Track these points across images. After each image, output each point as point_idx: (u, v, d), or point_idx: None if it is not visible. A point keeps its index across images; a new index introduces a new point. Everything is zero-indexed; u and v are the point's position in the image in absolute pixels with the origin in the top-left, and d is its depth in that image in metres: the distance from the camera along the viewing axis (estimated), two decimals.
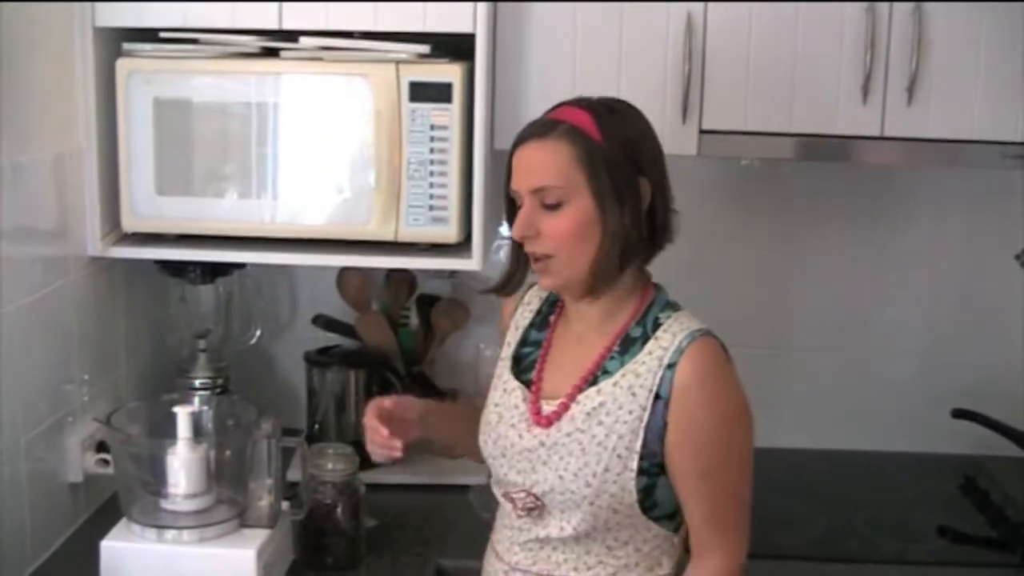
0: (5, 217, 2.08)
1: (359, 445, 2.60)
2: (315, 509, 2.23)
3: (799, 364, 2.92)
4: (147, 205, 2.38)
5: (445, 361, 2.86)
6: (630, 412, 1.75)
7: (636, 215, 1.75)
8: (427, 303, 2.81)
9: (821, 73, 2.38)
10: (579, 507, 1.77)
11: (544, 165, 1.75)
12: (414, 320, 2.83)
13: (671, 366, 1.73)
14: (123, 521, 2.05)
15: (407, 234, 2.34)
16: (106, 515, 2.19)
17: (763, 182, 2.84)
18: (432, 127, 2.30)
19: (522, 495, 1.83)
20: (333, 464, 2.29)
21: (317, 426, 2.74)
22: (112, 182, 2.40)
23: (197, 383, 2.66)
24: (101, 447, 2.31)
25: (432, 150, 2.31)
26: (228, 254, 2.43)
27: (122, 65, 2.34)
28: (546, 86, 2.35)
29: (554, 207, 1.74)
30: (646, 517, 1.78)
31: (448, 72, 2.29)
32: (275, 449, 2.08)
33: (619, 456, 1.75)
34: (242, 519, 2.04)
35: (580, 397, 1.79)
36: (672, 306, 1.83)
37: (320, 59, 2.33)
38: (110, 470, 2.23)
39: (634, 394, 1.75)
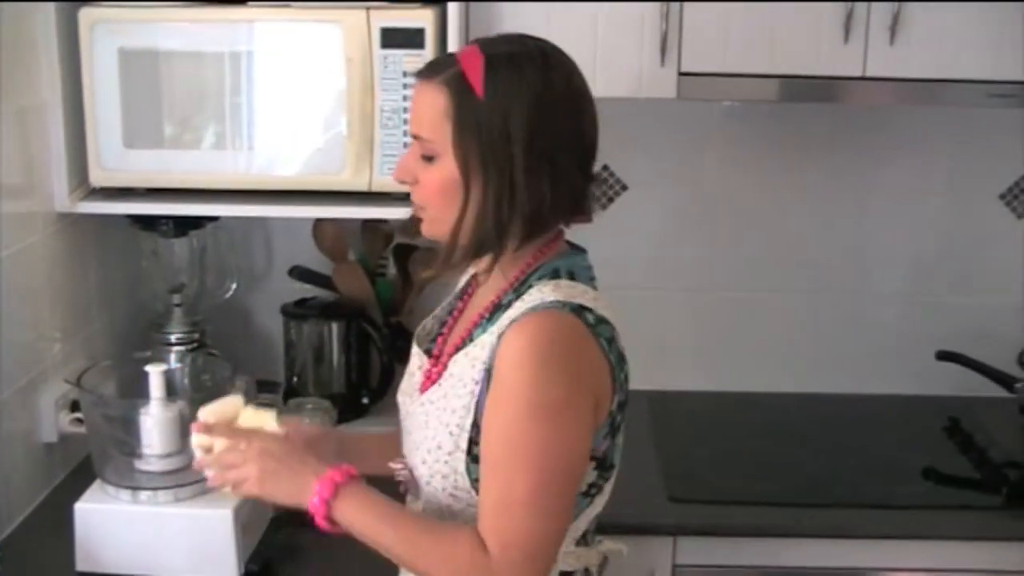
0: None
1: (336, 398, 2.61)
2: None
3: (782, 306, 2.89)
4: (115, 158, 2.32)
5: (423, 311, 2.74)
6: (464, 385, 1.60)
7: (504, 191, 1.55)
8: (404, 252, 2.75)
9: (802, 13, 2.33)
10: (423, 489, 1.66)
11: (419, 112, 1.61)
12: (391, 270, 2.78)
13: (500, 337, 1.56)
14: (97, 482, 2.01)
15: (381, 183, 2.29)
16: (83, 475, 2.15)
17: (744, 124, 2.79)
18: (405, 74, 2.24)
19: (399, 468, 1.72)
20: (311, 419, 2.25)
21: (296, 379, 2.70)
22: (79, 136, 2.33)
23: (173, 338, 2.61)
24: (76, 406, 2.26)
25: (405, 97, 2.24)
26: (200, 207, 2.38)
27: (85, 15, 2.26)
28: (520, 29, 2.27)
29: (428, 158, 1.60)
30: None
31: (420, 17, 2.23)
32: None
33: (451, 433, 1.61)
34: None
35: (451, 362, 1.66)
36: (559, 273, 1.62)
37: (289, 6, 2.26)
38: (84, 429, 2.18)
39: (473, 366, 1.60)
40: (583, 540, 1.68)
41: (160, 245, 2.60)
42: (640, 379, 2.81)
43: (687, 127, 2.78)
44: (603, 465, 1.62)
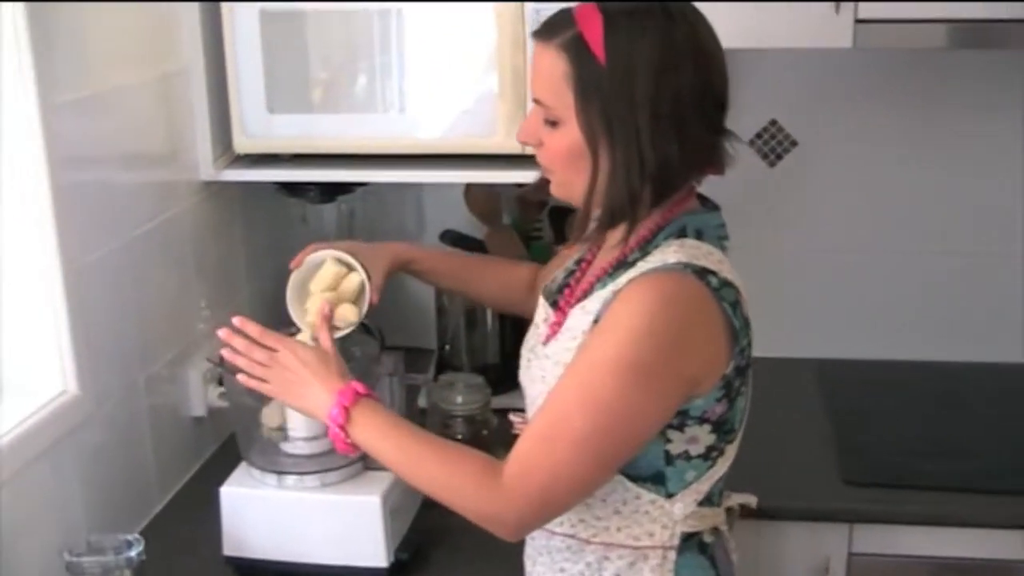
0: (112, 144, 1.97)
1: (489, 369, 2.50)
2: None
3: (961, 268, 2.67)
4: (259, 124, 2.24)
5: None
6: (574, 339, 1.55)
7: (632, 158, 1.47)
8: (561, 215, 2.61)
9: None
10: None
11: (539, 76, 1.53)
12: (547, 234, 2.65)
13: (617, 292, 1.50)
14: (243, 465, 1.93)
15: None
16: (233, 449, 2.08)
17: (920, 73, 2.56)
18: None
19: (519, 421, 1.70)
20: (463, 397, 2.14)
21: (447, 347, 2.60)
22: (222, 102, 2.25)
23: None
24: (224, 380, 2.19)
25: None
26: (347, 173, 2.29)
27: None
28: None
29: (552, 123, 1.52)
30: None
31: None
32: (398, 387, 1.93)
33: None
34: (366, 462, 1.89)
35: (568, 315, 1.60)
36: (686, 232, 1.54)
37: None
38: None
39: (585, 319, 1.55)
40: (707, 501, 1.59)
41: (308, 211, 2.52)
42: (807, 346, 2.69)
43: (861, 78, 2.57)
44: (721, 429, 1.54)
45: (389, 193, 2.65)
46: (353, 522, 1.86)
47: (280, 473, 1.88)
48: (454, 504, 1.52)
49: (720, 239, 1.57)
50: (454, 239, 2.61)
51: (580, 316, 1.56)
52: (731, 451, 1.59)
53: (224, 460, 2.15)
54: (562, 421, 1.46)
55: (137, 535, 1.73)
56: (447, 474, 1.52)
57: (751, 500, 1.73)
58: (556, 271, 1.76)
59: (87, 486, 1.90)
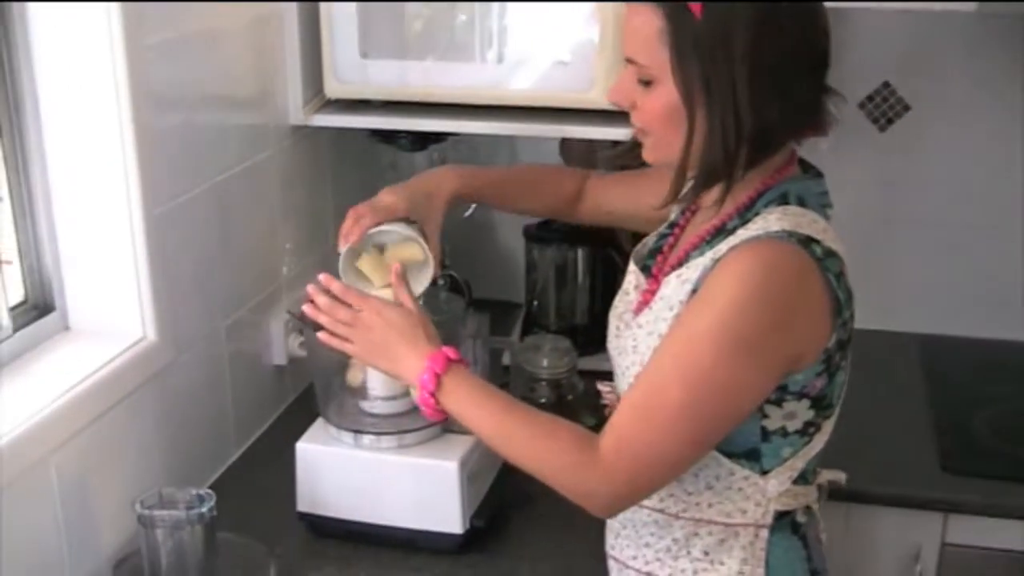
0: (200, 87, 1.92)
1: (578, 329, 2.43)
2: None
3: None
4: (351, 69, 2.18)
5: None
6: (671, 308, 1.46)
7: (729, 117, 1.38)
8: None
9: None
10: None
11: (633, 35, 1.44)
12: None
13: (717, 260, 1.41)
14: (319, 421, 1.89)
15: None
16: (312, 400, 2.04)
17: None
18: None
19: (607, 390, 1.62)
20: (549, 360, 2.07)
21: (535, 303, 2.53)
22: (314, 46, 2.18)
23: None
24: None
25: None
26: (439, 123, 2.21)
27: None
28: None
29: (646, 83, 1.44)
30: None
31: None
32: (482, 351, 1.86)
33: None
34: (445, 424, 1.83)
35: (663, 283, 1.51)
36: (788, 199, 1.45)
37: None
38: None
39: (682, 288, 1.46)
40: (802, 479, 1.51)
41: (399, 158, 2.44)
42: (911, 320, 2.57)
43: (981, 44, 2.43)
44: (819, 404, 1.46)
45: (482, 143, 2.56)
46: (429, 487, 1.80)
47: (357, 432, 1.83)
48: (546, 478, 1.46)
49: (823, 207, 1.48)
50: None
51: (676, 285, 1.47)
52: (828, 426, 1.51)
53: (302, 410, 2.11)
54: (659, 394, 1.39)
55: (209, 490, 1.69)
56: (541, 447, 1.46)
57: (840, 476, 1.64)
58: (647, 236, 1.68)
59: (164, 434, 1.88)
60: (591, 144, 2.46)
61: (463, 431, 1.82)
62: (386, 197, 1.76)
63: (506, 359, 2.23)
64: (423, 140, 2.38)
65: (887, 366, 2.42)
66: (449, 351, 1.53)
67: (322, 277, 1.65)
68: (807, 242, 1.39)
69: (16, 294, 1.75)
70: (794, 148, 1.50)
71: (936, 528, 2.06)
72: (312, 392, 1.95)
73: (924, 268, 2.56)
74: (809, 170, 1.52)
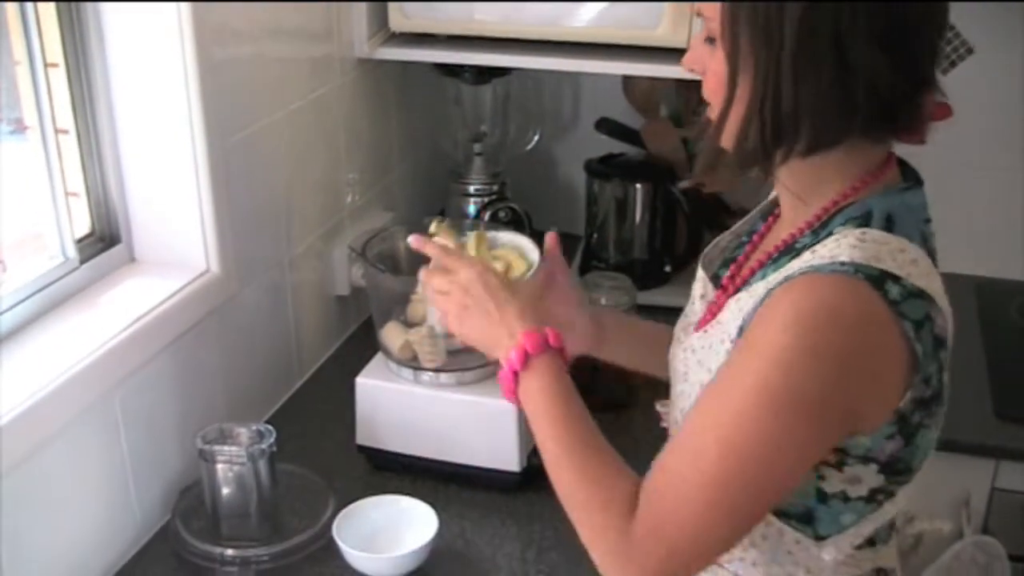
0: (264, 19, 1.81)
1: (636, 264, 2.33)
2: None
3: None
4: (416, 3, 2.06)
5: (738, 181, 2.44)
6: (721, 342, 1.19)
7: (768, 87, 1.10)
8: None
9: None
10: None
11: None
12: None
13: (770, 292, 1.11)
14: (379, 356, 1.80)
15: None
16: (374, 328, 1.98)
17: None
18: None
19: (666, 411, 1.38)
20: (608, 298, 1.96)
21: (595, 236, 2.43)
22: None
23: (472, 188, 2.38)
24: None
25: None
26: (502, 58, 2.09)
27: None
28: None
29: (712, 41, 1.16)
30: None
31: None
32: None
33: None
34: None
35: (727, 305, 1.24)
36: (871, 220, 1.13)
37: None
38: None
39: (736, 319, 1.18)
40: (869, 544, 1.22)
41: (463, 92, 2.35)
42: (967, 262, 2.43)
43: None
44: (892, 469, 1.15)
45: (546, 78, 2.47)
46: (487, 425, 1.72)
47: (417, 368, 1.74)
48: (576, 522, 1.20)
49: (923, 221, 1.17)
50: (610, 128, 2.43)
51: (734, 312, 1.19)
52: (904, 493, 1.19)
53: (365, 340, 2.03)
54: (694, 462, 1.11)
55: (268, 426, 1.63)
56: (585, 490, 1.19)
57: (942, 528, 1.39)
58: (720, 236, 1.42)
59: (227, 366, 1.81)
60: (654, 82, 2.35)
61: None
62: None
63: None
64: (487, 74, 2.29)
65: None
66: (551, 334, 1.28)
67: (413, 240, 1.45)
68: (881, 280, 1.07)
69: (83, 226, 1.67)
70: (891, 151, 1.19)
71: (987, 474, 1.95)
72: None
73: (980, 210, 2.42)
74: (907, 175, 1.21)
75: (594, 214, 2.43)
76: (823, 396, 1.07)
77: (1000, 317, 2.29)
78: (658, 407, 1.42)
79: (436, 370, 1.73)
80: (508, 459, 1.72)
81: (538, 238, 2.35)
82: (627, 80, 2.40)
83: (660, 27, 1.97)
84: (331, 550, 1.57)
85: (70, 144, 1.62)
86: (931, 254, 1.15)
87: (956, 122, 2.31)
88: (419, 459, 1.76)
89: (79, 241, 1.65)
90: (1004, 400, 2.00)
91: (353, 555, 1.54)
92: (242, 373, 1.85)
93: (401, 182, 2.38)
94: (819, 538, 1.18)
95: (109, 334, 1.52)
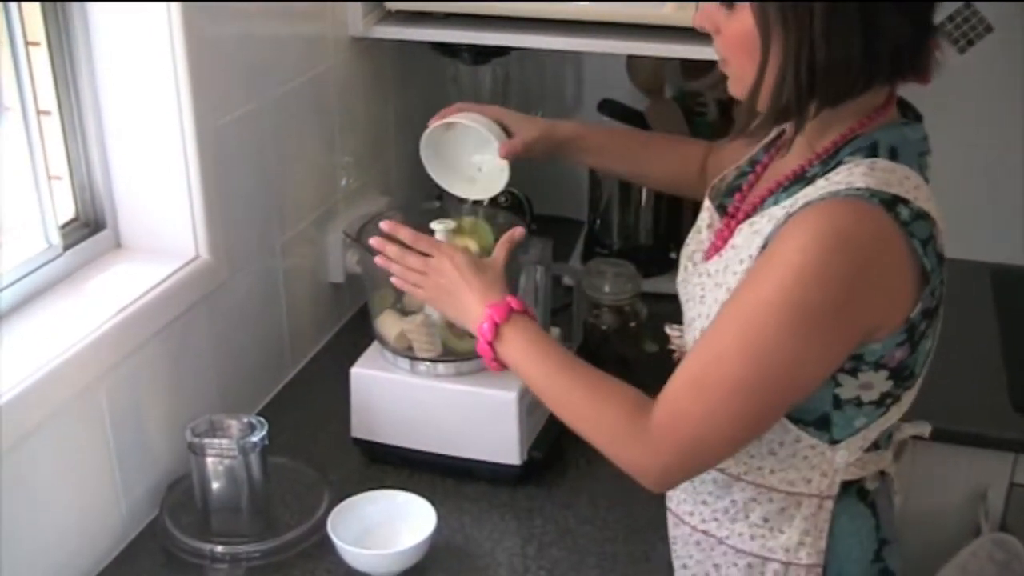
0: None
1: (640, 250, 2.31)
2: (590, 336, 1.91)
3: None
4: None
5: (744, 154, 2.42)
6: (741, 262, 1.30)
7: (804, 46, 1.20)
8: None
9: None
10: None
11: None
12: (712, 110, 2.40)
13: (790, 216, 1.24)
14: (375, 345, 1.79)
15: None
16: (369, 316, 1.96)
17: None
18: None
19: (676, 334, 1.50)
20: (612, 286, 1.95)
21: (598, 222, 2.41)
22: None
23: None
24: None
25: None
26: (501, 36, 2.07)
27: None
28: None
29: (729, 4, 1.26)
30: None
31: None
32: (543, 277, 1.74)
33: None
34: None
35: (736, 231, 1.35)
36: (878, 150, 1.26)
37: None
38: None
39: (753, 241, 1.29)
40: (873, 447, 1.36)
41: (460, 72, 2.33)
42: (982, 249, 2.41)
43: None
44: (899, 375, 1.29)
45: (547, 57, 2.45)
46: (487, 417, 1.70)
47: (413, 358, 1.72)
48: (596, 444, 1.34)
49: (921, 155, 1.30)
50: (613, 110, 2.40)
51: (748, 235, 1.31)
52: (908, 397, 1.34)
53: (360, 329, 2.04)
54: (716, 365, 1.23)
55: (261, 418, 1.61)
56: (593, 412, 1.34)
57: (924, 429, 1.49)
58: (727, 170, 1.52)
59: (217, 355, 1.79)
60: (659, 62, 2.33)
61: None
62: (497, 108, 1.76)
63: (568, 280, 2.11)
64: (485, 54, 2.27)
65: (959, 298, 2.26)
66: (512, 300, 1.43)
67: (385, 225, 1.57)
68: (893, 203, 1.20)
69: (66, 211, 1.65)
70: (890, 90, 1.31)
71: (1005, 468, 1.94)
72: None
73: (997, 194, 2.40)
74: (907, 112, 1.34)
75: (597, 199, 2.41)
76: (839, 309, 1.19)
77: (1017, 304, 2.27)
78: (667, 329, 1.52)
79: (433, 360, 1.72)
80: (508, 452, 1.71)
81: (538, 222, 2.35)
82: (631, 60, 2.37)
83: (664, 6, 1.95)
84: (325, 546, 1.56)
85: (53, 126, 1.60)
86: (926, 181, 1.28)
87: (973, 103, 2.32)
88: (416, 452, 1.74)
89: (63, 227, 1.63)
90: (1022, 391, 1.98)
91: (348, 551, 1.52)
92: (233, 363, 1.83)
93: (397, 165, 2.36)
94: (833, 442, 1.31)
95: (94, 323, 1.50)
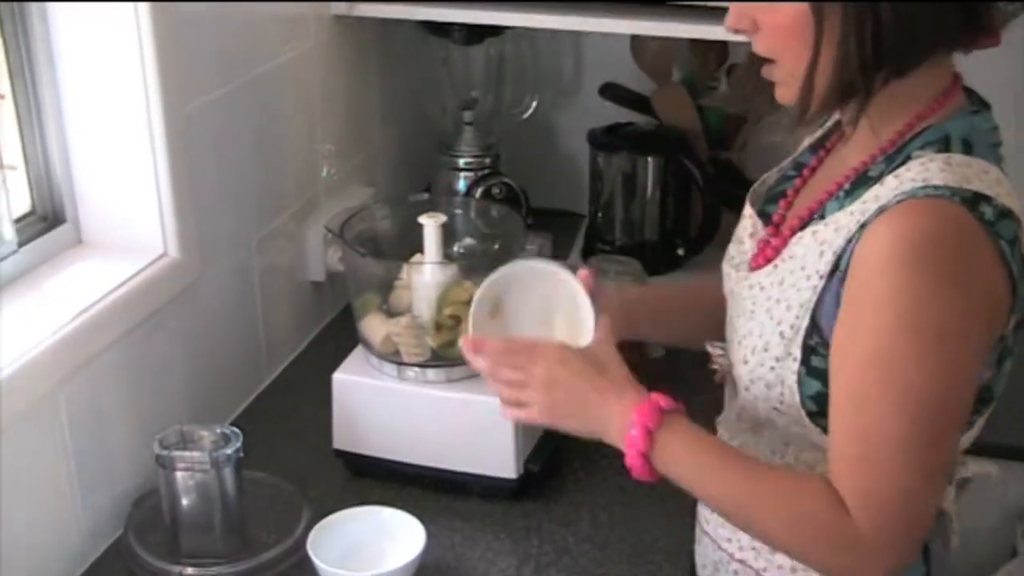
0: None
1: (647, 247, 2.31)
2: None
3: None
4: None
5: (759, 146, 2.42)
6: (807, 277, 1.27)
7: (866, 14, 1.18)
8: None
9: None
10: (740, 393, 1.37)
11: None
12: (724, 95, 2.40)
13: (863, 227, 1.21)
14: (359, 349, 1.78)
15: None
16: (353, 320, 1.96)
17: None
18: None
19: (719, 353, 1.44)
20: (617, 283, 1.94)
21: (600, 215, 2.42)
22: None
23: (462, 162, 2.39)
24: None
25: None
26: (495, 15, 2.08)
27: None
28: None
29: None
30: (814, 425, 1.29)
31: None
32: None
33: (782, 335, 1.28)
34: None
35: (794, 240, 1.32)
36: (951, 143, 1.23)
37: None
38: None
39: (821, 253, 1.26)
40: None
41: (452, 53, 2.35)
42: None
43: None
44: (980, 397, 1.26)
45: (544, 37, 2.46)
46: (480, 426, 1.69)
47: (400, 363, 1.72)
48: (797, 556, 1.31)
49: (993, 146, 1.26)
50: (617, 94, 2.42)
51: (813, 246, 1.27)
52: (980, 422, 1.32)
53: (342, 332, 2.03)
54: (873, 426, 1.19)
55: (235, 428, 1.61)
56: (787, 521, 1.26)
57: (990, 469, 1.44)
58: (767, 173, 1.49)
59: (187, 360, 1.79)
60: (667, 43, 2.33)
61: None
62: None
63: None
64: (478, 34, 2.28)
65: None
66: (660, 398, 1.32)
67: (465, 344, 1.43)
68: (975, 201, 1.17)
69: (22, 204, 1.66)
70: (955, 73, 1.28)
71: None
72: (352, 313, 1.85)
73: None
74: (972, 97, 1.30)
75: (599, 191, 2.41)
76: (960, 314, 1.17)
77: None
78: (709, 347, 1.46)
79: (422, 365, 1.71)
80: (503, 465, 1.71)
81: (535, 216, 2.35)
82: (636, 41, 2.37)
83: None
84: (305, 568, 1.55)
85: (7, 111, 1.60)
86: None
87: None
88: (403, 465, 1.74)
89: (18, 221, 1.63)
90: None
91: (330, 573, 1.52)
92: (204, 369, 1.83)
93: (383, 155, 2.36)
94: None
95: (53, 326, 1.50)
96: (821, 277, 1.25)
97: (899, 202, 1.18)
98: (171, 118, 1.65)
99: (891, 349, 1.17)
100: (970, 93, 1.30)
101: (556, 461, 1.77)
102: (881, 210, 1.19)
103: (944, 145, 1.23)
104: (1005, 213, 1.19)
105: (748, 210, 1.44)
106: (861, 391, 1.20)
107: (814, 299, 1.26)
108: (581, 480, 1.77)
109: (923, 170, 1.20)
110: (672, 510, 1.65)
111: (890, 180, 1.22)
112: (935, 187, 1.17)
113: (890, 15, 1.17)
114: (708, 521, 1.48)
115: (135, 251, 1.69)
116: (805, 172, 1.41)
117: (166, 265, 1.70)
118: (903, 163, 1.23)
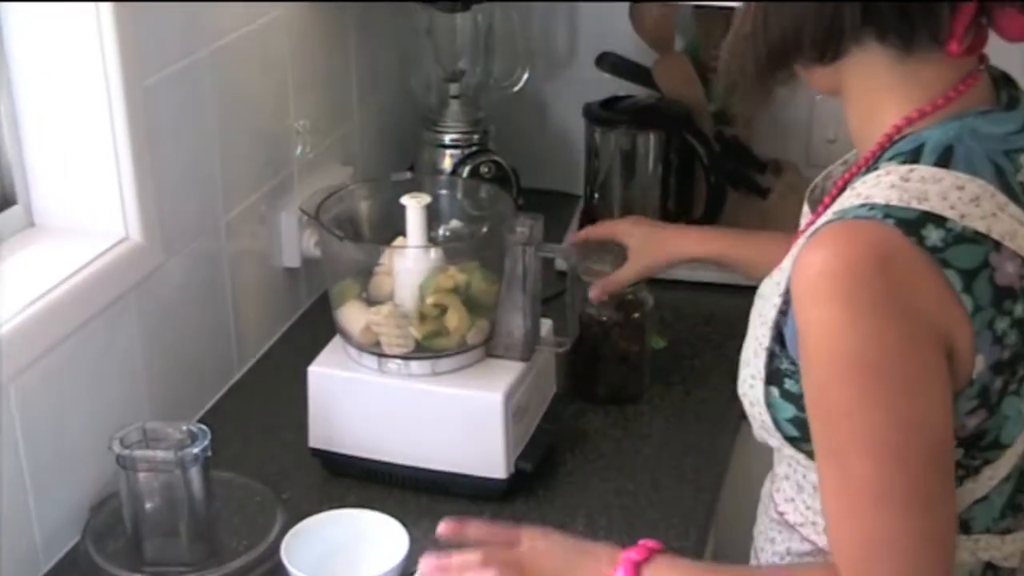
0: None
1: None
2: (587, 330, 1.89)
3: None
4: None
5: (768, 120, 2.45)
6: (778, 295, 1.26)
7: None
8: None
9: None
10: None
11: None
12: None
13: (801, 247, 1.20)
14: (336, 339, 1.78)
15: None
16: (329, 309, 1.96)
17: None
18: None
19: None
20: (612, 271, 1.92)
21: (596, 196, 2.41)
22: None
23: (447, 139, 2.38)
24: None
25: None
26: None
27: None
28: None
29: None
30: (797, 450, 1.29)
31: None
32: (533, 260, 1.72)
33: (755, 353, 1.29)
34: (488, 347, 1.73)
35: (795, 245, 1.30)
36: (923, 154, 1.16)
37: None
38: None
39: (783, 269, 1.26)
40: (964, 528, 1.29)
41: (435, 21, 2.34)
42: None
43: None
44: (973, 444, 1.22)
45: (536, 3, 2.44)
46: (467, 422, 1.69)
47: (381, 355, 1.71)
48: None
49: (1008, 153, 1.18)
50: (615, 65, 2.40)
51: (788, 261, 1.26)
52: (991, 472, 1.26)
53: (318, 322, 2.02)
54: (843, 477, 1.17)
55: (202, 426, 1.60)
56: None
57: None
58: (833, 166, 1.44)
59: (151, 353, 1.78)
60: (668, 9, 2.34)
61: (510, 356, 1.71)
62: (624, 226, 1.92)
63: (560, 263, 2.10)
64: (465, 0, 2.27)
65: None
66: (648, 541, 1.35)
67: (443, 528, 1.44)
68: (918, 224, 1.11)
69: None
70: (978, 71, 1.21)
71: None
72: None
73: None
74: (1000, 91, 1.24)
75: (595, 169, 2.40)
76: (899, 342, 1.11)
77: None
78: None
79: (404, 357, 1.70)
80: (492, 463, 1.70)
81: (527, 197, 2.34)
82: (635, 7, 2.36)
83: None
84: (278, 575, 1.55)
85: None
86: (1010, 188, 1.16)
87: None
88: (385, 464, 1.74)
89: None
90: None
91: None
92: (169, 362, 1.83)
93: (362, 131, 2.36)
94: None
95: (3, 315, 1.49)
96: (780, 296, 1.24)
97: (828, 223, 1.15)
98: (130, 92, 1.63)
99: (836, 389, 1.14)
100: (1002, 88, 1.24)
101: (550, 460, 1.77)
102: (815, 231, 1.16)
103: (916, 155, 1.16)
104: (966, 237, 1.12)
105: (805, 208, 1.39)
106: (824, 438, 1.18)
107: (775, 319, 1.25)
108: (577, 481, 1.77)
109: (872, 185, 1.15)
110: (674, 515, 1.65)
111: (849, 190, 1.19)
112: (871, 207, 1.13)
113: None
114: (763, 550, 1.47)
115: (93, 235, 1.68)
116: (846, 175, 1.32)
117: (127, 250, 1.69)
118: (875, 169, 1.19)
